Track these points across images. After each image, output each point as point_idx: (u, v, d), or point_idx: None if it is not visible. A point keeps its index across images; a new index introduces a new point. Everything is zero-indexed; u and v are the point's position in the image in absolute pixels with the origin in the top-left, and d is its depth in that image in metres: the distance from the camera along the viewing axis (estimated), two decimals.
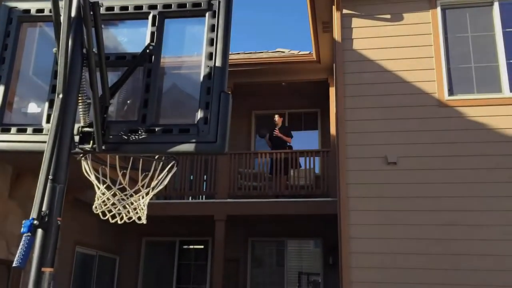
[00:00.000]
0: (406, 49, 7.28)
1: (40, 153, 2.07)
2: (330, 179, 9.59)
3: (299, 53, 10.86)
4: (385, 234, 6.54)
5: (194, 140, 2.18)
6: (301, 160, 10.15)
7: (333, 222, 7.79)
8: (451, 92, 7.04)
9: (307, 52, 10.63)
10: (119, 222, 2.63)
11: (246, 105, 11.64)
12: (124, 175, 2.56)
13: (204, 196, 10.71)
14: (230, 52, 2.35)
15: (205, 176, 10.42)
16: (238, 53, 11.60)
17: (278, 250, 10.98)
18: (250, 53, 11.66)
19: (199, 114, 2.23)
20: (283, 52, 11.39)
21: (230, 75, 2.52)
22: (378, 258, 6.45)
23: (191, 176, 10.41)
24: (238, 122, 11.35)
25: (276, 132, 10.59)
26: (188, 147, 2.19)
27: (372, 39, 7.37)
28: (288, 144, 10.62)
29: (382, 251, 6.47)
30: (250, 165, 10.21)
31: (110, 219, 2.71)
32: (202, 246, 11.24)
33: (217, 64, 2.27)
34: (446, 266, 6.26)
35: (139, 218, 2.56)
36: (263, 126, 11.50)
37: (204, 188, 10.31)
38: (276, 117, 10.80)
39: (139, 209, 2.55)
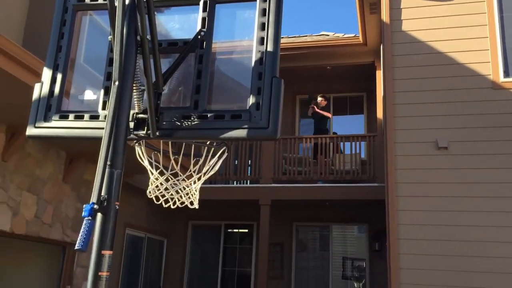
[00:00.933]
0: (459, 30, 6.98)
1: (97, 139, 2.11)
2: (377, 165, 9.43)
3: (344, 36, 10.66)
4: (435, 220, 6.38)
5: (246, 126, 2.17)
6: (347, 144, 10.01)
7: (379, 208, 7.67)
8: (506, 73, 6.72)
9: (352, 35, 10.41)
10: (172, 206, 2.67)
11: (290, 89, 11.57)
12: (176, 161, 2.60)
13: (248, 181, 10.77)
14: None
15: (249, 161, 10.48)
16: (282, 37, 11.47)
17: (322, 235, 10.95)
18: (294, 37, 11.54)
19: (251, 100, 2.21)
20: (328, 35, 11.20)
21: None
22: (427, 245, 6.31)
23: (236, 161, 10.50)
24: (283, 107, 11.28)
25: (313, 107, 10.53)
26: (240, 132, 2.18)
27: (422, 19, 7.11)
28: (328, 121, 10.59)
29: (432, 238, 6.33)
30: (295, 150, 10.17)
31: (163, 203, 2.76)
32: (246, 230, 11.36)
33: (268, 49, 2.24)
34: (498, 254, 6.05)
35: (192, 203, 2.59)
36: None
37: (249, 173, 10.37)
38: (319, 99, 10.69)
39: (191, 194, 2.58)
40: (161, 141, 2.65)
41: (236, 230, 11.51)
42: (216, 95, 2.37)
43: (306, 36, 11.51)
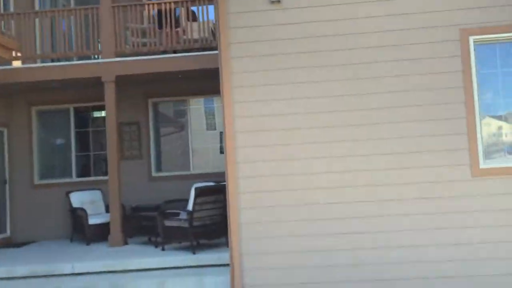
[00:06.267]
0: None
1: None
2: None
3: None
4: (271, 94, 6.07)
5: None
6: (194, 9, 9.21)
7: None
8: None
9: None
10: None
11: None
12: None
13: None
14: None
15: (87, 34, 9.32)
16: None
17: (180, 110, 10.55)
18: None
19: None
20: None
21: None
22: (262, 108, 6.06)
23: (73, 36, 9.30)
24: None
25: None
26: None
27: None
28: None
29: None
30: (138, 20, 9.16)
31: None
32: (99, 112, 10.55)
33: None
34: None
35: None
36: None
37: (87, 47, 9.26)
38: None
39: None
40: None
41: (87, 113, 10.64)
42: None
43: None
